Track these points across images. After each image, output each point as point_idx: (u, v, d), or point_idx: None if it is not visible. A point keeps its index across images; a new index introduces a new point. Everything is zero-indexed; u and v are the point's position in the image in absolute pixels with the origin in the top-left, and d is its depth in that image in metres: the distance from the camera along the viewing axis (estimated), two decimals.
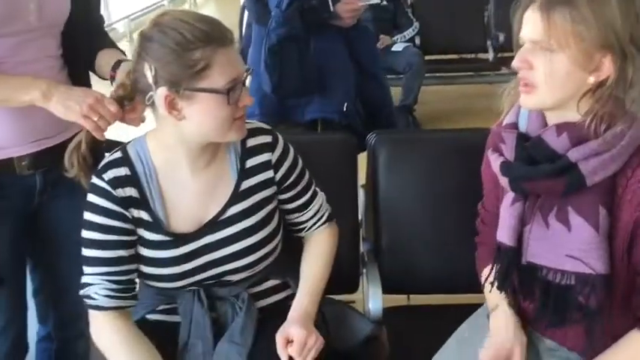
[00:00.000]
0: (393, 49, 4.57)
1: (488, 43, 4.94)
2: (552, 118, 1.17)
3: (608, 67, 1.07)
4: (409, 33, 4.72)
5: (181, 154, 1.27)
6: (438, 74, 4.79)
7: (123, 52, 1.57)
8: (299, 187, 1.41)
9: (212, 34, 1.16)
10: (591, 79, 1.09)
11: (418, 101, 4.58)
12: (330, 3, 2.24)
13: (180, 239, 1.29)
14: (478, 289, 1.41)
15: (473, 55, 5.26)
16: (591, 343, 1.15)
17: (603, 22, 1.05)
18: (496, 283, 1.27)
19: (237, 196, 1.32)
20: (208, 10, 9.26)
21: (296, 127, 2.39)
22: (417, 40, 4.77)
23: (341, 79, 2.36)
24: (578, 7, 1.05)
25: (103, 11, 1.69)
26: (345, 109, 2.35)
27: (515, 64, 1.14)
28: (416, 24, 4.77)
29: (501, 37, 4.70)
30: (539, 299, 1.21)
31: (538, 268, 1.18)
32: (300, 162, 1.42)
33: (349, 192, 1.76)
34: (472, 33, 5.00)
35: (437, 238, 1.72)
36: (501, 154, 1.22)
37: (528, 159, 1.16)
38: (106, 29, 1.69)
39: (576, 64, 1.07)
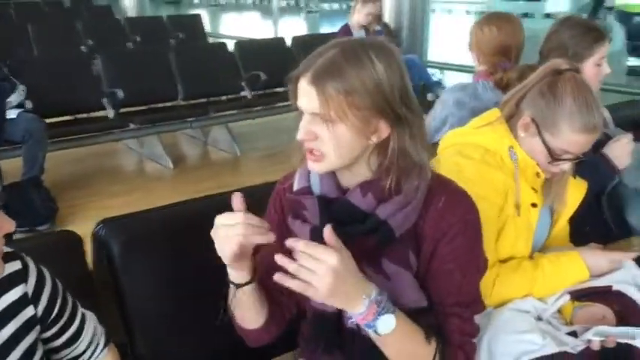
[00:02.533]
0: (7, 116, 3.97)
1: (105, 100, 4.75)
2: (344, 178, 1.18)
3: (384, 130, 1.12)
4: (16, 98, 4.17)
5: None
6: (59, 138, 4.35)
7: None
8: (65, 316, 1.09)
9: None
10: (373, 139, 1.12)
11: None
12: None
13: None
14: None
15: (86, 115, 4.99)
16: None
17: (372, 88, 1.07)
18: (319, 349, 1.23)
19: None
20: None
21: None
22: (29, 105, 4.24)
23: None
24: (347, 79, 1.06)
25: None
26: None
27: (300, 136, 1.12)
28: (21, 87, 4.24)
29: (120, 94, 4.58)
30: (359, 354, 1.20)
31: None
32: (59, 283, 1.08)
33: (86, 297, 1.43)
34: (85, 91, 4.74)
35: (198, 318, 1.54)
36: (305, 221, 1.16)
37: (335, 221, 1.13)
38: None
39: (356, 131, 1.09)
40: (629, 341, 1.42)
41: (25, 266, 1.01)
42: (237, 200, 1.08)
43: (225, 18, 17.97)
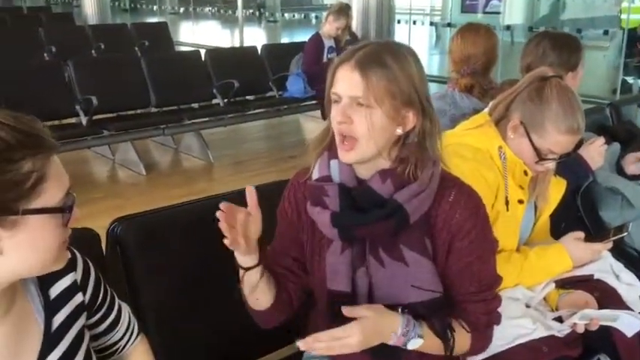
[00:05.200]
0: None
1: (78, 107, 4.73)
2: (361, 169, 1.28)
3: (411, 120, 1.24)
4: None
5: None
6: None
7: None
8: (107, 303, 1.16)
9: (41, 135, 0.88)
10: (399, 131, 1.24)
11: None
12: None
13: None
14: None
15: (57, 122, 4.96)
16: None
17: (408, 80, 1.20)
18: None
19: (51, 340, 1.00)
20: None
21: None
22: None
23: None
24: (390, 68, 1.19)
25: None
26: None
27: (337, 119, 1.22)
28: None
29: (95, 100, 4.57)
30: None
31: None
32: (99, 272, 1.15)
33: None
34: (57, 98, 4.72)
35: (215, 311, 1.61)
36: (325, 207, 1.26)
37: (355, 207, 1.24)
38: None
39: (389, 118, 1.20)
40: (611, 323, 1.56)
41: (74, 255, 1.07)
42: (249, 194, 1.22)
43: (185, 26, 17.88)
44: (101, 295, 1.12)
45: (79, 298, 1.05)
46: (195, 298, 1.62)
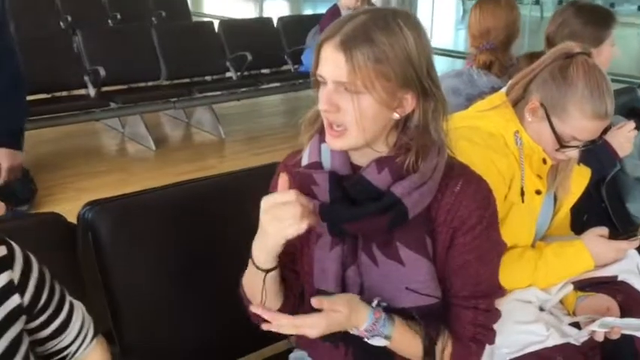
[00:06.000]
0: None
1: (86, 78, 4.62)
2: (356, 155, 1.12)
3: (410, 103, 1.07)
4: None
5: None
6: (38, 117, 4.19)
7: None
8: (53, 305, 1.02)
9: None
10: (396, 115, 1.07)
11: None
12: None
13: None
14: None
15: (66, 93, 4.87)
16: None
17: (404, 58, 1.02)
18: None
19: None
20: None
21: None
22: None
23: None
24: (378, 45, 1.01)
25: None
26: None
27: (322, 107, 1.05)
28: None
29: (102, 72, 4.45)
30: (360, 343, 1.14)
31: None
32: (46, 270, 1.01)
33: (74, 286, 1.36)
34: (66, 69, 4.60)
35: (199, 306, 1.50)
36: (314, 197, 1.09)
37: (347, 199, 1.08)
38: None
39: (382, 103, 1.04)
40: (634, 332, 1.40)
41: (11, 252, 0.94)
42: (282, 180, 1.02)
43: None
44: (45, 296, 0.99)
45: (15, 300, 0.92)
46: (177, 290, 1.49)
